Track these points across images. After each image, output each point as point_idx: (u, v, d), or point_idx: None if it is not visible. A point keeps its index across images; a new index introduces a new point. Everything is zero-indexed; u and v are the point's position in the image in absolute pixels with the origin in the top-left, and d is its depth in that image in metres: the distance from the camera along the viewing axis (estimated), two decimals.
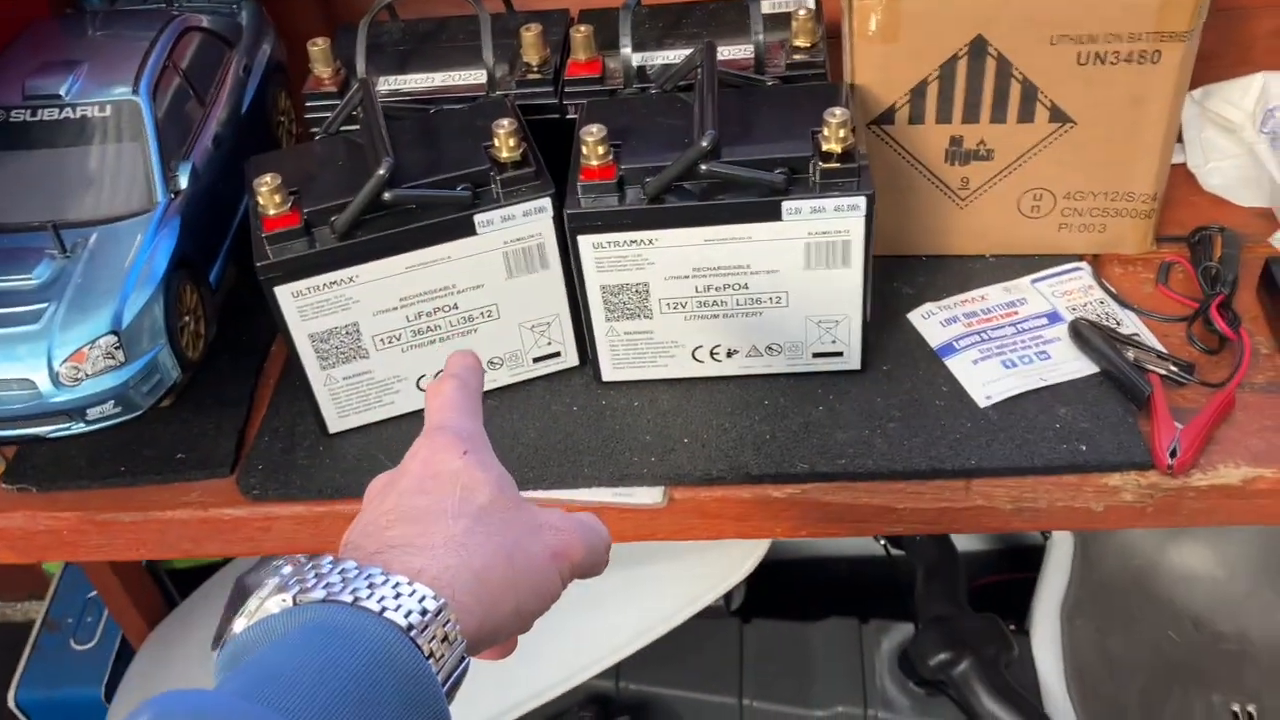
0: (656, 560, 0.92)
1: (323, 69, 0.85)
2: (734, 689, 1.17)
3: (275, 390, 0.84)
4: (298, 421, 0.80)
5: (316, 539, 0.76)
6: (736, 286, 0.74)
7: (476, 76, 0.84)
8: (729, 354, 0.78)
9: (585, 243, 0.72)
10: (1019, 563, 1.40)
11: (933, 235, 0.85)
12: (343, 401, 0.77)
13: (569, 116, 0.83)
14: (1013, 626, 1.25)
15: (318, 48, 0.84)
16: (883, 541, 1.32)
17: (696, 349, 0.78)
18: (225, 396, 0.83)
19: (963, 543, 1.45)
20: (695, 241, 0.72)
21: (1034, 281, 0.83)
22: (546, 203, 0.72)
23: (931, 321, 0.81)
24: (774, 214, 0.70)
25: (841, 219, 0.70)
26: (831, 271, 0.73)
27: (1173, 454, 0.70)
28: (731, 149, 0.70)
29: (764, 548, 0.89)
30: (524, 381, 0.81)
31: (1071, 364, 0.77)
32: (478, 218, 0.72)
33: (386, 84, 0.85)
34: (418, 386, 0.78)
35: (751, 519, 0.75)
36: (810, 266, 0.73)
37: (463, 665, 0.43)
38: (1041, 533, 1.34)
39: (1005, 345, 0.79)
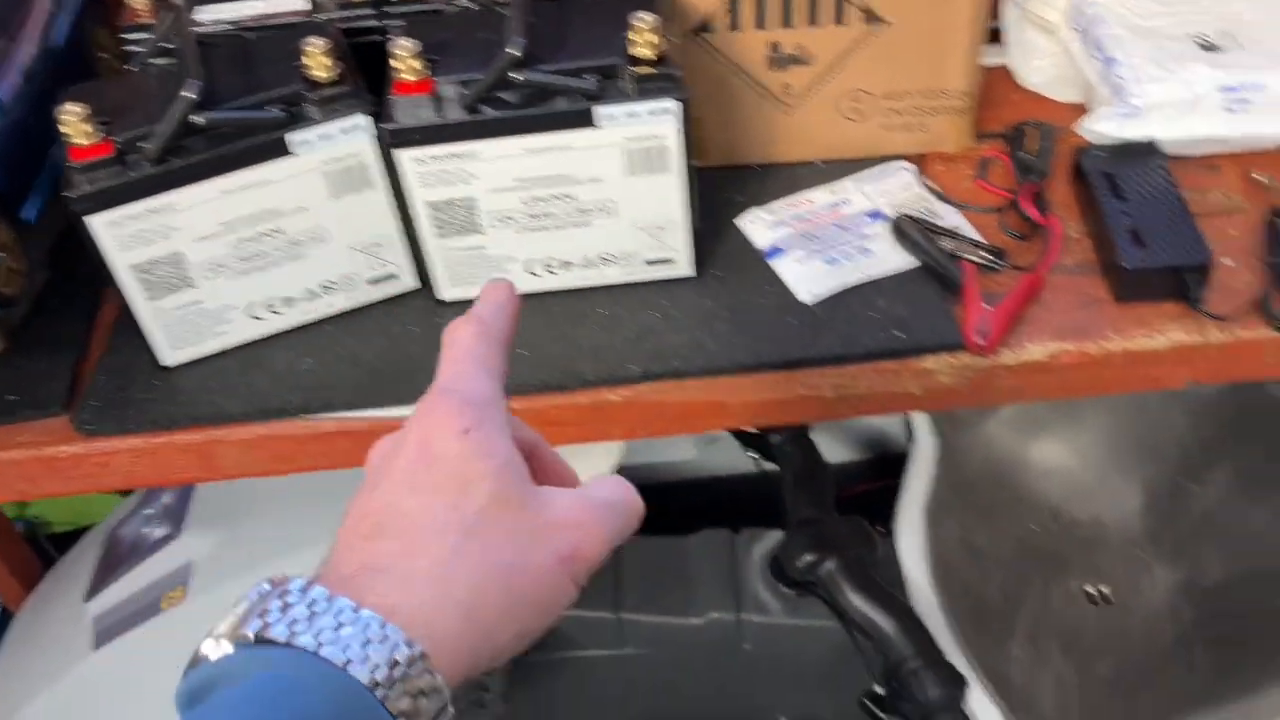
0: None
1: (138, 1, 0.83)
2: (609, 604, 1.20)
3: (112, 329, 0.83)
4: (134, 358, 0.79)
5: (156, 471, 0.76)
6: (563, 197, 0.75)
7: (299, 2, 0.83)
8: (564, 266, 0.79)
9: (405, 158, 0.72)
10: (889, 471, 1.44)
11: (761, 143, 0.87)
12: (174, 334, 0.77)
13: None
14: (881, 529, 1.30)
15: None
16: (753, 455, 1.36)
17: (531, 263, 0.79)
18: (60, 337, 0.82)
19: (835, 453, 1.50)
20: (516, 152, 0.73)
21: (858, 183, 0.86)
22: (363, 119, 0.72)
23: (759, 225, 0.83)
24: (588, 120, 0.71)
25: (656, 123, 0.71)
26: (653, 178, 0.74)
27: (983, 334, 0.73)
28: (546, 58, 0.71)
29: (613, 461, 0.91)
30: (363, 306, 0.81)
31: (892, 259, 0.80)
32: (292, 137, 0.71)
33: (206, 13, 0.83)
34: (251, 316, 0.78)
35: (590, 423, 0.77)
36: (632, 174, 0.74)
37: (445, 714, 0.38)
38: (907, 438, 1.38)
39: (829, 244, 0.81)
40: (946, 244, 0.80)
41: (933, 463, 1.33)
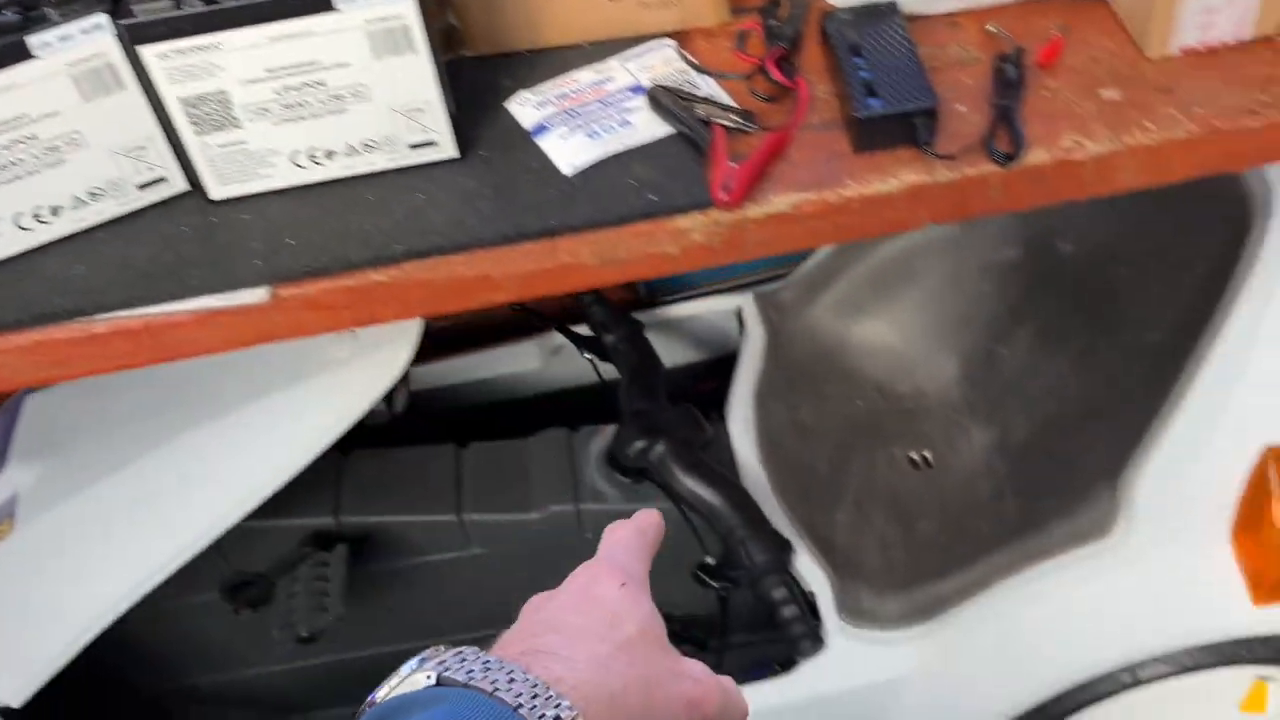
0: (306, 378, 0.96)
1: None
2: (452, 507, 1.23)
3: None
4: None
5: None
6: (314, 85, 0.77)
7: None
8: (329, 156, 0.81)
9: (149, 54, 0.73)
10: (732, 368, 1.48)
11: (527, 29, 0.89)
12: None
13: None
14: (717, 415, 1.35)
15: None
16: (591, 358, 1.39)
17: (295, 154, 0.80)
18: None
19: (681, 355, 1.55)
20: (260, 41, 0.74)
21: (622, 61, 0.89)
22: (102, 18, 0.73)
23: (526, 107, 0.86)
24: (326, 4, 0.72)
25: (394, 3, 0.73)
26: (401, 59, 0.76)
27: (727, 190, 0.77)
28: None
29: (410, 347, 0.94)
30: (136, 211, 0.82)
31: (650, 129, 0.83)
32: (32, 40, 0.72)
33: None
34: (18, 226, 0.78)
35: (361, 305, 0.79)
36: (378, 57, 0.76)
37: None
38: (740, 333, 1.43)
39: (592, 120, 0.84)
40: (701, 111, 0.83)
41: (761, 351, 1.38)
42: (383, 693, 0.43)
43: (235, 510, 0.98)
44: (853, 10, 0.87)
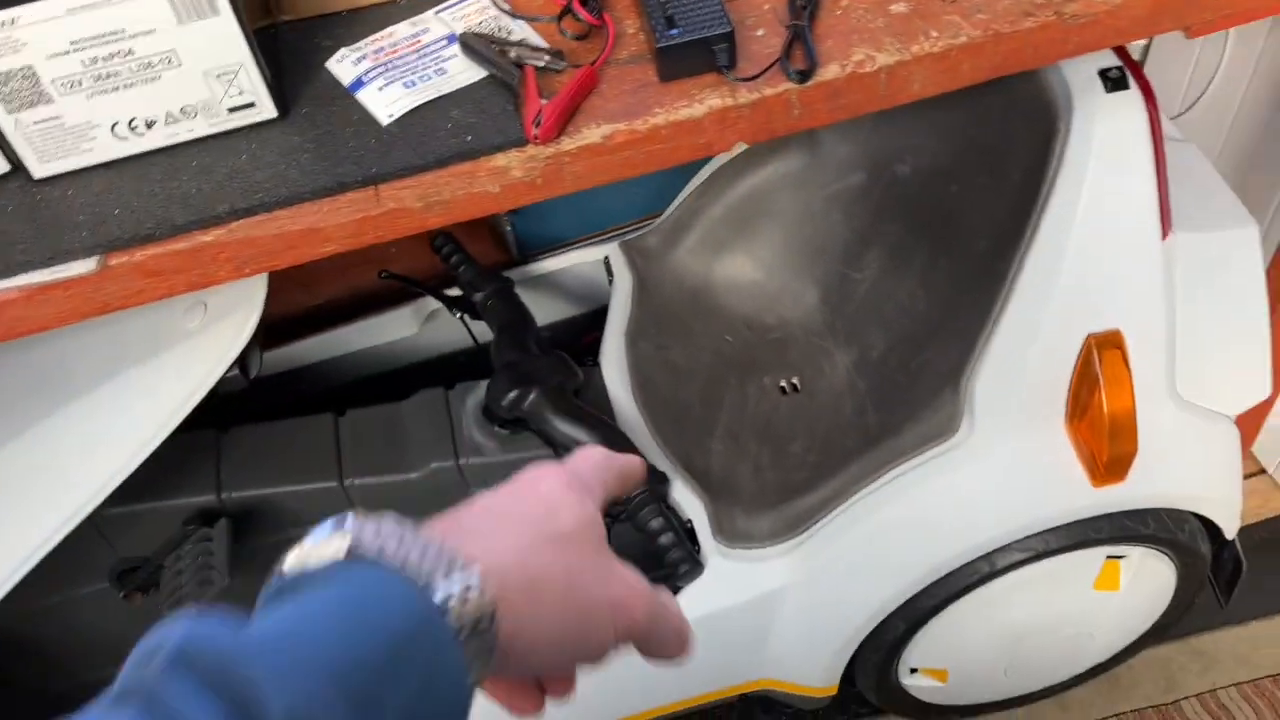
0: (157, 353, 0.97)
1: None
2: (334, 474, 1.25)
3: None
4: None
5: None
6: (124, 54, 0.78)
7: None
8: (148, 125, 0.82)
9: None
10: None
11: None
12: None
13: None
14: (591, 361, 1.38)
15: None
16: (463, 317, 1.42)
17: (114, 125, 0.81)
18: None
19: (561, 310, 1.58)
20: (59, 13, 0.75)
21: (437, 12, 0.91)
22: None
23: (345, 64, 0.88)
24: None
25: None
26: (205, 22, 0.78)
27: (539, 125, 0.80)
28: None
29: (256, 310, 0.95)
30: None
31: (464, 75, 0.86)
32: None
33: None
34: None
35: (193, 269, 0.80)
36: (183, 21, 0.77)
37: (489, 665, 0.43)
38: (609, 282, 1.47)
39: (407, 70, 0.86)
40: (513, 54, 0.86)
41: (629, 296, 1.42)
42: (292, 559, 0.42)
43: (99, 492, 0.99)
44: None
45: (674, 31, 0.83)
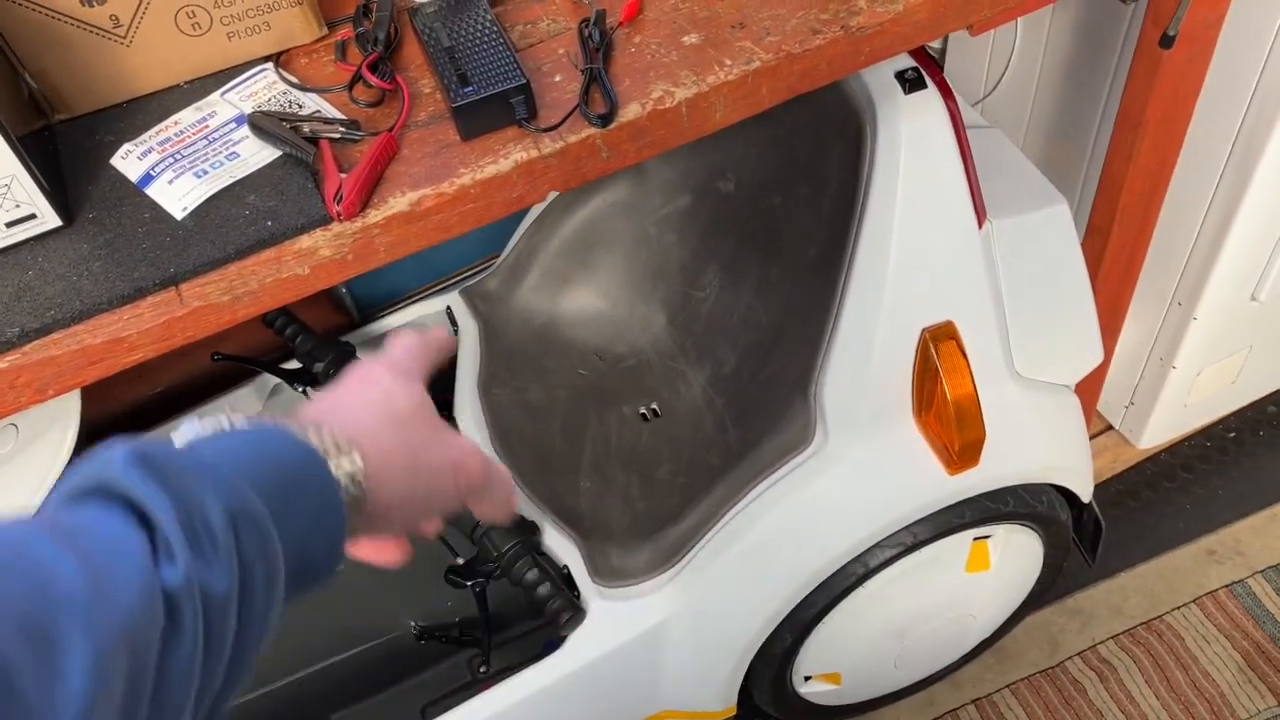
0: None
1: None
2: None
3: None
4: None
5: None
6: None
7: None
8: None
9: None
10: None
11: (114, 81, 0.87)
12: None
13: None
14: (448, 414, 1.36)
15: None
16: (303, 390, 1.37)
17: None
18: None
19: None
20: None
21: (223, 94, 0.88)
22: None
23: (130, 159, 0.84)
24: None
25: None
26: None
27: (340, 200, 0.77)
28: None
29: (72, 427, 0.90)
30: None
31: (258, 156, 0.83)
32: None
33: None
34: None
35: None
36: None
37: (361, 515, 0.51)
38: (453, 331, 1.44)
39: (197, 158, 0.83)
40: (307, 128, 0.83)
41: (476, 342, 1.40)
42: (177, 438, 0.48)
43: None
44: (438, 4, 0.89)
45: (468, 89, 0.81)
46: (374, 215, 0.79)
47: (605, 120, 0.81)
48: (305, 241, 0.78)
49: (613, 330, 1.45)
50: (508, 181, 0.81)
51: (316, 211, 0.78)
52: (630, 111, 0.83)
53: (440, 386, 1.37)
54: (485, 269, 1.51)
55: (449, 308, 1.46)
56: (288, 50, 0.91)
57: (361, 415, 0.54)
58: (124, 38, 0.85)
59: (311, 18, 0.90)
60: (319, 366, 1.33)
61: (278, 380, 1.42)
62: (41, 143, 0.85)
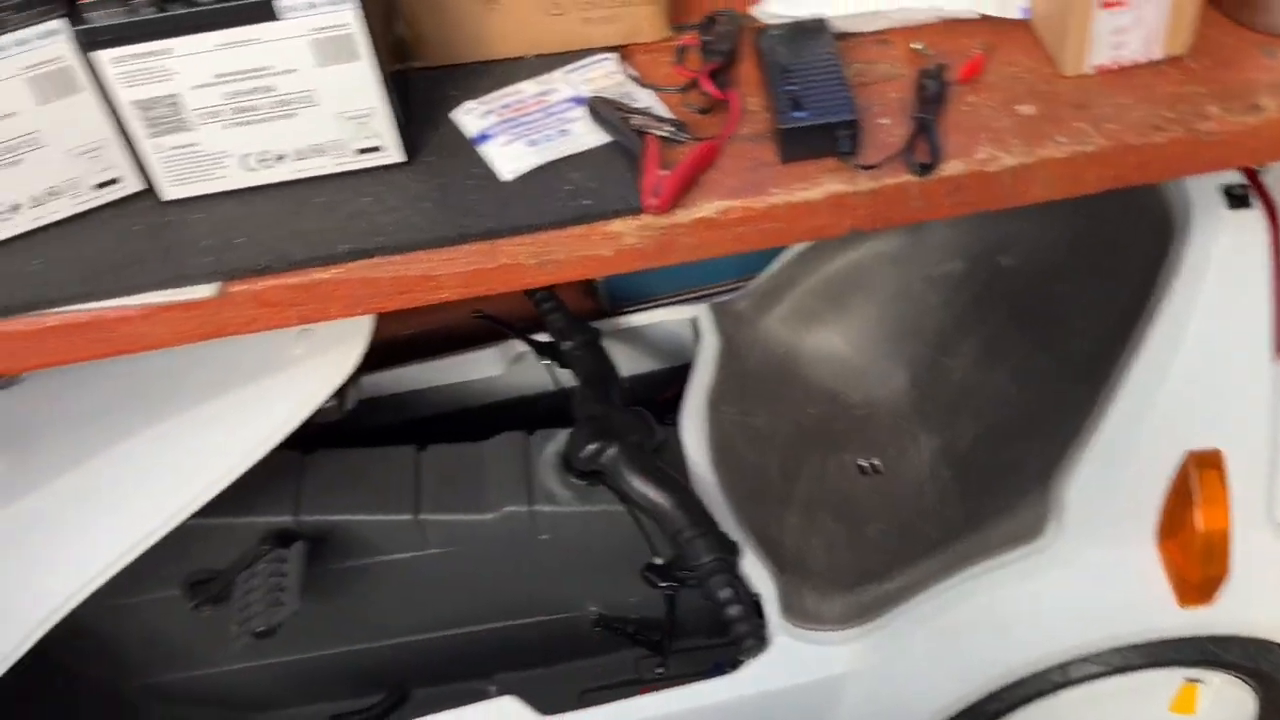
0: (262, 374, 0.99)
1: None
2: (410, 507, 1.26)
3: None
4: None
5: None
6: (264, 90, 0.80)
7: None
8: (279, 159, 0.84)
9: (103, 59, 0.77)
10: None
11: (474, 41, 0.93)
12: None
13: None
14: (671, 421, 1.38)
15: None
16: (548, 363, 1.42)
17: (245, 157, 0.84)
18: None
19: (644, 364, 1.58)
20: (209, 47, 0.77)
21: (565, 73, 0.92)
22: (58, 24, 0.76)
23: (471, 116, 0.90)
24: (270, 14, 0.76)
25: (336, 14, 0.77)
26: (345, 67, 0.80)
27: (656, 195, 0.80)
28: None
29: (361, 345, 0.97)
30: (89, 211, 0.85)
31: (587, 138, 0.87)
32: None
33: None
34: None
35: (308, 302, 0.82)
36: (323, 64, 0.79)
37: None
38: (695, 341, 1.47)
39: (532, 128, 0.88)
40: (637, 121, 0.86)
41: (715, 358, 1.42)
42: None
43: (191, 504, 1.01)
44: (784, 28, 0.91)
45: (799, 114, 0.83)
46: (682, 215, 0.82)
47: (926, 169, 0.82)
48: (615, 225, 0.82)
49: (850, 377, 1.45)
50: (815, 209, 0.83)
51: (631, 199, 0.82)
52: (952, 167, 0.82)
53: (674, 397, 1.40)
54: (735, 289, 1.53)
55: (695, 319, 1.48)
56: (631, 44, 0.95)
57: None
58: (494, 4, 0.91)
59: (660, 18, 0.94)
60: (567, 345, 1.38)
61: (523, 350, 1.48)
62: (399, 84, 0.91)
